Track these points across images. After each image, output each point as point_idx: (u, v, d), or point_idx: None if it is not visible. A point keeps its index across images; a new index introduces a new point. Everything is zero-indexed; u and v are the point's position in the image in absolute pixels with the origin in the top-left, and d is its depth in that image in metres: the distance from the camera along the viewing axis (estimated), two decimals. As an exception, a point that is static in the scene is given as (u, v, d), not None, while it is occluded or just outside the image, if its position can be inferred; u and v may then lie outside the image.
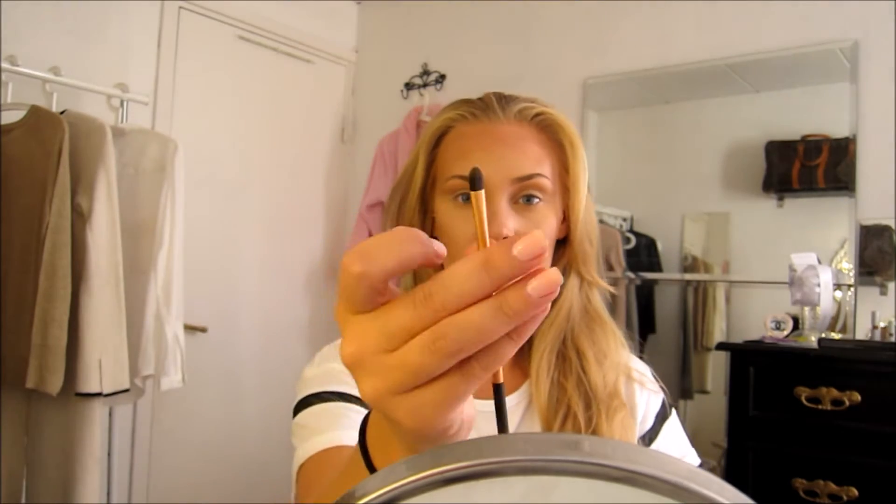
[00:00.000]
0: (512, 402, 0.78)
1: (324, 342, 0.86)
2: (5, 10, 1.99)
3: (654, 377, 0.85)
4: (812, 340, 1.83)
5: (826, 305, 1.90)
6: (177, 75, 2.52)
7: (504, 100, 0.78)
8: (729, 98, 2.38)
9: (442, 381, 0.30)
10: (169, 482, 2.49)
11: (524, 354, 0.79)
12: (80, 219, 1.83)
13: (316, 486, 0.67)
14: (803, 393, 1.70)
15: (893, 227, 1.99)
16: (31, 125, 1.86)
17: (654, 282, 2.48)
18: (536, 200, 0.73)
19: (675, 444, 0.81)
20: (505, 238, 0.29)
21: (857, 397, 1.63)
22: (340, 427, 0.71)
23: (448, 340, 0.29)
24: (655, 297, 2.49)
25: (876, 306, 1.96)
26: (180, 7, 2.52)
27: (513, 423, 0.77)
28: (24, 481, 1.85)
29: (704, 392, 2.36)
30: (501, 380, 0.34)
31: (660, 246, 2.47)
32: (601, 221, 2.44)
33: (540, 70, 2.64)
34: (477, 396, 0.34)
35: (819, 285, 1.85)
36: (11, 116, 1.90)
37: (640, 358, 0.87)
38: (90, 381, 1.79)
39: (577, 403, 0.74)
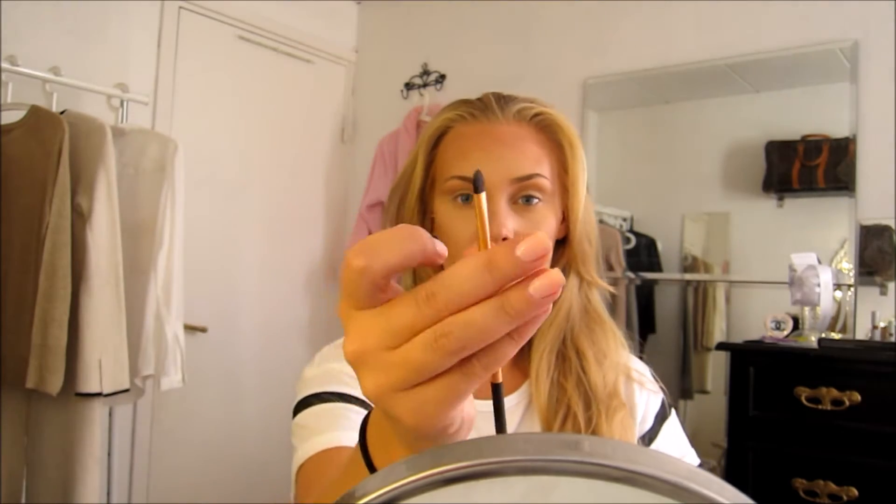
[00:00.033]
0: (512, 402, 0.78)
1: (324, 342, 0.86)
2: (5, 10, 1.99)
3: (654, 377, 0.85)
4: (812, 340, 1.83)
5: (826, 305, 1.90)
6: (177, 75, 2.52)
7: (503, 100, 0.78)
8: (729, 98, 2.38)
9: (443, 378, 0.30)
10: (169, 482, 2.49)
11: (524, 354, 0.79)
12: (80, 219, 1.83)
13: (316, 486, 0.67)
14: (803, 393, 1.70)
15: (893, 227, 1.99)
16: (31, 125, 1.86)
17: (654, 282, 2.48)
18: (536, 201, 0.73)
19: (675, 444, 0.81)
20: (504, 239, 0.29)
21: (857, 397, 1.63)
22: (340, 428, 0.71)
23: (450, 339, 0.29)
24: (655, 297, 2.49)
25: (876, 306, 1.96)
26: (180, 7, 2.52)
27: (513, 423, 0.77)
28: (24, 481, 1.85)
29: (704, 392, 2.36)
30: (500, 380, 0.34)
31: (660, 246, 2.47)
32: (601, 221, 2.44)
33: (540, 70, 2.64)
34: (477, 396, 0.34)
35: (819, 285, 1.85)
36: (11, 116, 1.90)
37: (640, 358, 0.87)
38: (90, 381, 1.79)
39: (576, 403, 0.74)
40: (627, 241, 2.48)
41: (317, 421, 0.73)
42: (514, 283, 0.29)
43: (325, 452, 0.69)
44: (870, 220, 2.03)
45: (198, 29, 2.59)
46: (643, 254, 2.48)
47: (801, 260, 1.89)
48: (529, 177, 0.72)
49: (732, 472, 1.80)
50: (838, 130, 2.12)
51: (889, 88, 2.00)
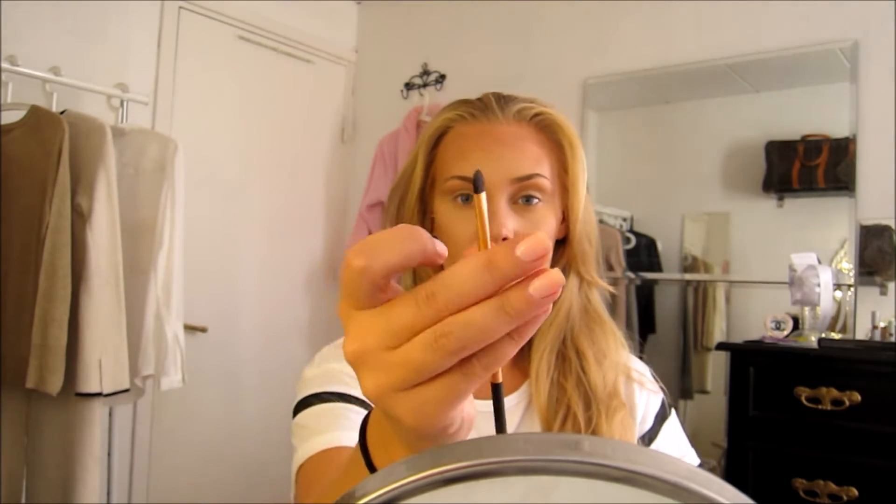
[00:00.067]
0: (512, 402, 0.78)
1: (324, 342, 0.86)
2: (5, 10, 1.99)
3: (654, 377, 0.85)
4: (812, 340, 1.83)
5: (826, 305, 1.90)
6: (177, 75, 2.52)
7: (503, 100, 0.78)
8: (729, 98, 2.38)
9: (443, 378, 0.30)
10: (169, 482, 2.49)
11: (524, 354, 0.79)
12: (80, 219, 1.83)
13: (315, 486, 0.67)
14: (803, 393, 1.70)
15: (893, 227, 1.99)
16: (31, 125, 1.86)
17: (654, 282, 2.48)
18: (535, 201, 0.73)
19: (675, 445, 0.81)
20: (505, 239, 0.29)
21: (857, 397, 1.63)
22: (340, 428, 0.71)
23: (450, 338, 0.29)
24: (655, 297, 2.49)
25: (876, 306, 1.96)
26: (180, 7, 2.52)
27: (513, 423, 0.77)
28: (24, 481, 1.85)
29: (704, 392, 2.36)
30: (500, 380, 0.34)
31: (660, 246, 2.47)
32: (601, 221, 2.44)
33: (540, 70, 2.64)
34: (477, 396, 0.35)
35: (819, 285, 1.85)
36: (11, 116, 1.90)
37: (640, 358, 0.87)
38: (90, 381, 1.79)
39: (576, 403, 0.74)
40: (627, 241, 2.48)
41: (317, 421, 0.73)
42: (514, 283, 0.29)
43: (325, 452, 0.69)
44: (870, 220, 2.03)
45: (198, 29, 2.59)
46: (643, 254, 2.48)
47: (801, 260, 1.89)
48: (529, 177, 0.73)
49: (732, 472, 1.80)
50: (838, 130, 2.12)
51: (889, 88, 2.00)
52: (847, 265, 2.07)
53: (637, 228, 2.51)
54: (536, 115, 0.76)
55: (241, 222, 2.75)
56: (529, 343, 0.78)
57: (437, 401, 0.30)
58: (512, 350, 0.30)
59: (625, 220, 2.52)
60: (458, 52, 2.87)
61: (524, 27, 2.71)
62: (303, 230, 2.98)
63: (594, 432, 0.73)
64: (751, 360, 1.83)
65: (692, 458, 0.82)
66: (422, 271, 0.79)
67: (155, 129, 2.38)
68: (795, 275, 1.88)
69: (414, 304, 0.30)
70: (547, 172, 0.74)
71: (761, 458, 1.77)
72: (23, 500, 1.85)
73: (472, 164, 0.73)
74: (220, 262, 2.67)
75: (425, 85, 2.92)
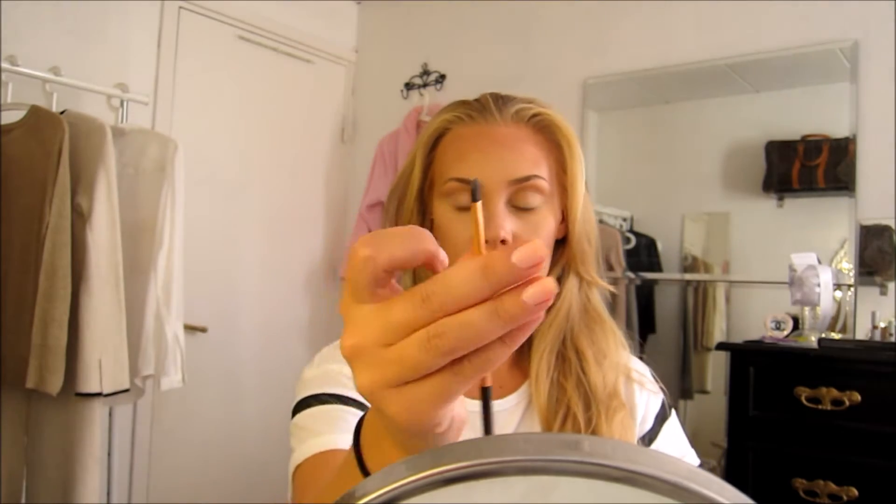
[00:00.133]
0: (512, 402, 0.78)
1: (324, 342, 0.86)
2: (5, 10, 1.99)
3: (654, 377, 0.85)
4: (812, 340, 1.83)
5: (826, 305, 1.90)
6: (177, 75, 2.52)
7: (501, 101, 0.77)
8: (729, 98, 2.38)
9: (435, 378, 0.31)
10: (169, 482, 2.49)
11: (524, 355, 0.79)
12: (80, 219, 1.83)
13: (311, 488, 0.67)
14: (803, 393, 1.70)
15: (893, 227, 1.99)
16: (31, 125, 1.86)
17: (654, 282, 2.48)
18: (534, 202, 0.73)
19: (675, 445, 0.81)
20: (503, 241, 0.30)
21: (857, 397, 1.63)
22: (337, 430, 0.71)
23: (444, 339, 0.29)
24: (655, 297, 2.49)
25: (876, 306, 1.96)
26: (180, 7, 2.52)
27: (512, 424, 0.77)
28: (24, 481, 1.85)
29: (704, 392, 2.36)
30: (489, 383, 0.35)
31: (660, 246, 2.47)
32: (601, 221, 2.44)
33: (540, 70, 2.64)
34: (474, 397, 0.35)
35: (819, 285, 1.85)
36: (11, 116, 1.90)
37: (640, 358, 0.87)
38: (90, 381, 1.79)
39: (576, 404, 0.74)
40: (627, 241, 2.48)
41: (314, 423, 0.73)
42: (509, 288, 0.29)
43: (322, 455, 0.69)
44: (870, 220, 2.03)
45: (198, 29, 2.59)
46: (643, 254, 2.48)
47: (801, 260, 1.89)
48: (527, 178, 0.72)
49: (732, 472, 1.80)
50: (838, 130, 2.12)
51: (889, 88, 2.00)
52: (847, 265, 2.07)
53: (637, 228, 2.51)
54: (534, 115, 0.76)
55: (241, 222, 2.75)
56: (529, 343, 0.78)
57: (428, 399, 0.31)
58: (503, 354, 0.31)
59: (625, 220, 2.52)
60: (458, 52, 2.87)
61: (524, 27, 2.71)
62: (303, 230, 2.98)
63: (594, 432, 0.73)
64: (751, 360, 1.83)
65: (692, 459, 0.82)
66: (422, 273, 0.79)
67: (155, 129, 2.38)
68: (795, 275, 1.88)
69: (412, 304, 0.30)
70: (545, 173, 0.74)
71: (761, 458, 1.77)
72: (23, 500, 1.85)
73: (470, 166, 0.73)
74: (220, 262, 2.67)
75: (425, 85, 2.92)
